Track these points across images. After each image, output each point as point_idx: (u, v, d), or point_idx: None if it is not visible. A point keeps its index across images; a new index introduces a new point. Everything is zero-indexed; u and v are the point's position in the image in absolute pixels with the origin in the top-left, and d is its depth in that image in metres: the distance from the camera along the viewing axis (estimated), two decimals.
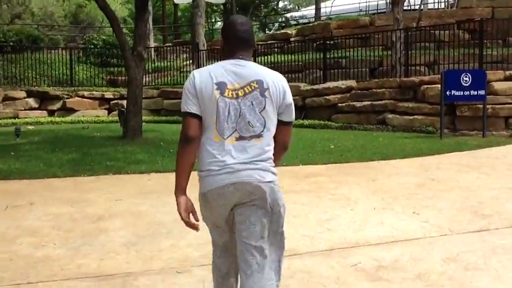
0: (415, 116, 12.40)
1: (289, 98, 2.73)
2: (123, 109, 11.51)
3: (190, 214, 2.68)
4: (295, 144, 10.59)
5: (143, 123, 14.50)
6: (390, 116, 12.97)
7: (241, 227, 2.64)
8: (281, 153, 2.85)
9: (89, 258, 4.61)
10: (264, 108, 2.60)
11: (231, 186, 2.56)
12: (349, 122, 13.59)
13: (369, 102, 13.41)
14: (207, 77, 2.58)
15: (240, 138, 2.57)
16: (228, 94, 2.55)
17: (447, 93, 10.83)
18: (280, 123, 2.72)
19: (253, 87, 2.58)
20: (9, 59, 18.01)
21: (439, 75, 11.75)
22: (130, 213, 5.98)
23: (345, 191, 6.85)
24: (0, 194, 7.02)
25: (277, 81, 2.66)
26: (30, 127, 14.05)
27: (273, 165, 2.72)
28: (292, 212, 5.82)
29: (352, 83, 14.26)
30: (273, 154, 2.73)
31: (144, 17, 11.14)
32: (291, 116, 2.76)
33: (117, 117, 12.60)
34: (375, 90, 13.51)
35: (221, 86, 2.55)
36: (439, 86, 11.28)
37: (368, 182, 7.32)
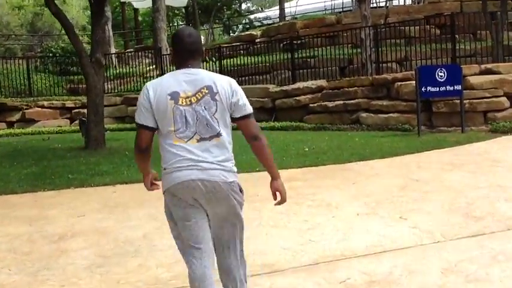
0: (390, 114, 12.09)
1: (238, 96, 2.94)
2: (84, 118, 10.89)
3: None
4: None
5: (107, 132, 13.96)
6: (364, 114, 12.64)
7: (215, 227, 3.00)
8: (257, 146, 3.10)
9: (48, 285, 4.12)
10: (216, 110, 2.84)
11: (199, 182, 2.79)
12: (322, 122, 13.20)
13: (341, 102, 13.06)
14: (160, 89, 2.81)
15: (201, 139, 2.81)
16: (182, 102, 2.78)
17: (422, 89, 10.53)
18: (238, 119, 2.96)
19: (204, 93, 2.82)
20: None
21: (413, 72, 11.48)
22: (94, 231, 5.48)
23: (324, 196, 6.45)
24: None
25: (225, 84, 2.89)
26: None
27: (234, 165, 2.99)
28: (270, 222, 5.41)
29: (322, 82, 13.91)
30: (255, 152, 3.15)
31: (100, 22, 10.57)
32: (243, 110, 2.97)
33: (79, 127, 11.98)
34: (346, 89, 13.16)
35: (174, 96, 2.77)
36: (414, 82, 10.99)
37: (348, 185, 6.94)
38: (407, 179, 7.12)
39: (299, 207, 5.97)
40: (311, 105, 13.66)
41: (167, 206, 2.94)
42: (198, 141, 2.81)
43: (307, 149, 9.84)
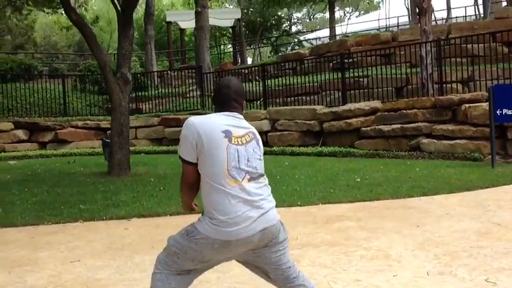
0: (457, 141, 10.50)
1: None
2: (107, 140, 9.76)
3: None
4: (312, 177, 8.81)
5: (141, 154, 12.90)
6: (425, 140, 11.08)
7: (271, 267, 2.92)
8: None
9: None
10: (260, 156, 2.86)
11: (259, 233, 2.71)
12: (376, 148, 11.71)
13: (399, 125, 11.55)
14: (212, 125, 2.76)
15: (251, 179, 2.74)
16: (235, 141, 2.75)
17: (497, 112, 8.94)
18: None
19: (250, 137, 2.84)
20: None
21: (483, 92, 9.91)
22: (81, 285, 4.25)
23: (381, 243, 5.05)
24: None
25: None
26: (11, 162, 12.44)
27: None
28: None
29: (376, 103, 12.45)
30: None
31: (128, 34, 9.50)
32: None
33: (102, 149, 10.85)
34: (404, 111, 11.65)
35: (228, 134, 2.74)
36: (485, 104, 9.43)
37: (411, 229, 5.50)
38: (487, 222, 5.64)
39: (349, 259, 4.58)
40: (363, 128, 12.18)
41: (199, 244, 2.73)
42: (249, 180, 2.74)
43: (358, 180, 8.42)
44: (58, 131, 15.24)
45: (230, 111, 2.87)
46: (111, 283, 4.26)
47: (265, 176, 2.84)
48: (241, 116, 2.90)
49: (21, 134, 15.09)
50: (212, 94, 2.95)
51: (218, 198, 2.67)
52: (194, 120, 2.79)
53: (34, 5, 16.75)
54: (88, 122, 15.70)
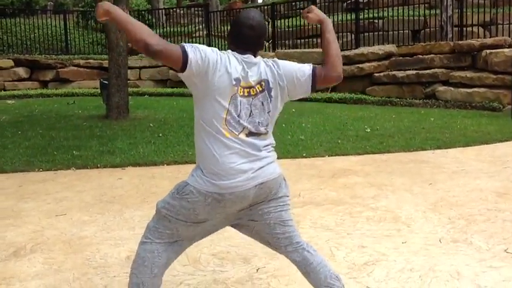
0: (475, 89, 9.95)
1: (292, 68, 2.57)
2: (105, 81, 9.23)
3: None
4: (320, 125, 8.38)
5: (145, 96, 12.48)
6: (442, 88, 10.52)
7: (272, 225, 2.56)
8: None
9: None
10: (270, 109, 2.50)
11: (255, 188, 2.43)
12: (389, 95, 11.18)
13: (414, 71, 10.97)
14: (229, 66, 2.39)
15: (250, 134, 2.44)
16: (241, 92, 2.43)
17: None
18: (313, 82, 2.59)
19: (262, 88, 2.47)
20: None
21: (506, 37, 9.28)
22: (64, 243, 3.92)
23: (390, 202, 4.67)
24: None
25: (277, 76, 2.51)
26: (9, 102, 12.06)
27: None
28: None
29: (391, 47, 11.83)
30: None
31: None
32: (306, 71, 2.59)
33: (100, 91, 10.34)
34: (421, 56, 11.04)
35: (237, 83, 2.41)
36: (507, 50, 8.84)
37: (423, 187, 5.11)
38: (507, 180, 5.23)
39: (354, 220, 4.21)
40: (376, 74, 11.62)
41: (191, 201, 2.42)
42: (246, 135, 2.43)
43: (368, 130, 7.97)
44: (59, 70, 14.74)
45: (248, 54, 2.47)
46: (95, 242, 3.93)
47: (268, 133, 2.52)
48: (258, 59, 2.51)
49: (21, 72, 14.64)
50: (229, 30, 2.57)
51: (212, 148, 2.40)
52: (230, 55, 2.44)
53: None
54: (91, 61, 15.16)
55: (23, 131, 8.25)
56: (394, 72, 11.34)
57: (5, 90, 14.08)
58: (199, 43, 13.08)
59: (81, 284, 3.20)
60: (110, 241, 3.92)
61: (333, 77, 2.62)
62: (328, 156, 6.58)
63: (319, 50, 12.90)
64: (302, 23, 14.27)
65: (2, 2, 17.20)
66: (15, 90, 14.10)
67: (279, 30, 14.45)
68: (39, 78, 14.74)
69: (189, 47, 2.33)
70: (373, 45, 12.43)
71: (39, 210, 4.74)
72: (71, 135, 7.89)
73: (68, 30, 16.29)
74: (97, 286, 3.18)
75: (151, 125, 8.56)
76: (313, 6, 2.70)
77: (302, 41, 14.12)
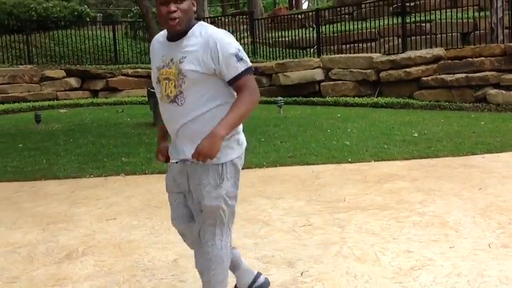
0: None
1: None
2: (152, 90, 9.46)
3: None
4: (366, 131, 8.32)
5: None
6: (493, 91, 10.27)
7: None
8: None
9: None
10: None
11: None
12: (438, 99, 10.99)
13: (463, 75, 10.75)
14: None
15: None
16: None
17: None
18: None
19: None
20: (50, 36, 16.50)
21: None
22: (114, 246, 4.04)
23: (438, 207, 4.60)
24: None
25: None
26: (61, 111, 12.45)
27: None
28: (355, 251, 3.66)
29: (439, 51, 11.64)
30: None
31: None
32: None
33: (147, 99, 10.57)
34: (470, 59, 10.81)
35: None
36: None
37: (472, 192, 5.01)
38: None
39: (400, 225, 4.17)
40: (424, 78, 11.44)
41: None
42: None
43: (416, 135, 7.86)
44: (109, 79, 15.15)
45: None
46: (143, 245, 4.03)
47: None
48: None
49: (73, 81, 15.09)
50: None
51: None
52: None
53: None
54: (139, 70, 15.50)
55: (74, 139, 8.51)
56: (442, 76, 11.14)
57: (57, 99, 14.54)
58: (245, 50, 13.23)
59: (130, 286, 3.29)
60: (158, 245, 4.01)
61: None
62: (374, 161, 6.53)
63: (365, 54, 12.83)
64: (347, 28, 14.20)
65: (54, 15, 17.76)
66: (67, 99, 14.55)
67: (323, 35, 14.42)
68: (90, 88, 15.17)
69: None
70: (421, 48, 12.24)
71: (91, 214, 4.89)
72: (120, 143, 8.09)
73: (117, 41, 16.71)
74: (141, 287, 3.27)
75: None
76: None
77: (347, 46, 14.05)
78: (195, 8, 2.52)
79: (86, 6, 20.86)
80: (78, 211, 5.01)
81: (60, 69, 15.08)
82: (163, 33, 2.65)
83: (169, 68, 2.51)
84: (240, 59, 2.48)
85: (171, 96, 2.52)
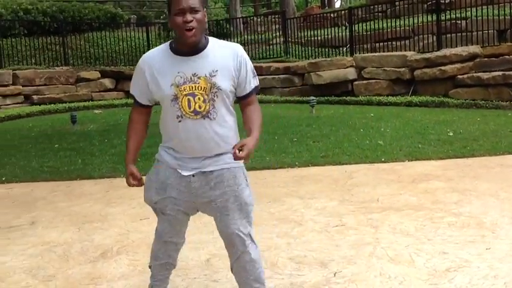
0: None
1: None
2: None
3: None
4: (399, 130, 8.22)
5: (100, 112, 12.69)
6: None
7: None
8: None
9: None
10: None
11: None
12: (474, 98, 10.78)
13: (500, 73, 10.51)
14: None
15: None
16: None
17: None
18: None
19: None
20: (85, 38, 16.80)
21: None
22: (147, 246, 4.05)
23: (474, 208, 4.51)
24: (9, 204, 5.48)
25: None
26: (96, 112, 12.64)
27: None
28: (388, 252, 3.62)
29: (475, 48, 11.43)
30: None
31: None
32: None
33: None
34: (507, 56, 10.57)
35: None
36: None
37: (509, 192, 4.92)
38: None
39: (435, 226, 4.11)
40: (459, 76, 11.24)
41: None
42: None
43: (451, 134, 7.73)
44: None
45: None
46: None
47: None
48: None
49: (107, 82, 15.31)
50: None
51: None
52: None
53: None
54: None
55: (109, 139, 8.63)
56: (478, 74, 10.92)
57: (92, 100, 14.76)
58: (277, 50, 13.00)
59: None
60: (190, 244, 4.02)
61: None
62: (408, 161, 6.45)
63: (399, 53, 12.67)
64: (380, 26, 14.05)
65: (88, 16, 18.05)
66: (101, 100, 14.76)
67: (356, 34, 14.29)
68: (124, 89, 15.33)
69: None
70: (456, 46, 12.03)
71: (125, 214, 4.94)
72: (153, 143, 8.05)
73: (150, 42, 16.87)
74: (178, 287, 3.29)
75: None
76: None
77: (380, 44, 13.90)
78: (206, 20, 2.50)
79: (119, 8, 21.10)
80: (113, 210, 5.07)
81: (95, 70, 15.31)
82: (159, 51, 2.55)
83: (195, 83, 2.44)
84: (254, 75, 2.61)
85: (201, 111, 2.45)
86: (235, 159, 2.34)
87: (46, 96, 14.43)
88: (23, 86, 14.27)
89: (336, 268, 3.39)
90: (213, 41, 2.54)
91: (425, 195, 4.97)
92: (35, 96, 14.37)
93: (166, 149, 2.61)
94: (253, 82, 2.60)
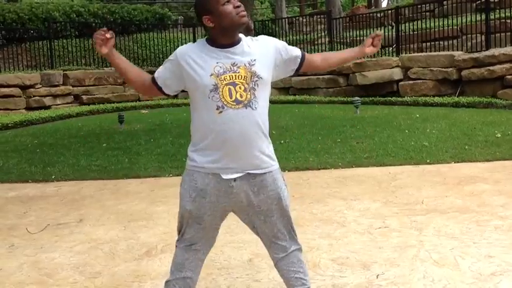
0: None
1: None
2: None
3: None
4: (446, 131, 8.08)
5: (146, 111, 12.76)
6: None
7: None
8: None
9: None
10: None
11: None
12: None
13: None
14: None
15: None
16: None
17: None
18: None
19: None
20: (134, 39, 17.14)
21: None
22: None
23: None
24: (58, 202, 5.63)
25: None
26: (143, 111, 12.89)
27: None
28: (433, 255, 3.58)
29: None
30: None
31: None
32: None
33: None
34: None
35: None
36: None
37: None
38: None
39: (481, 229, 4.03)
40: (508, 76, 10.97)
41: None
42: None
43: (499, 135, 7.55)
44: None
45: None
46: (219, 244, 4.06)
47: None
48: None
49: None
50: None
51: None
52: None
53: None
54: None
55: (155, 139, 8.79)
56: None
57: (139, 100, 15.05)
58: (322, 50, 12.96)
59: (206, 284, 3.36)
60: (233, 244, 4.07)
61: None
62: (454, 162, 6.34)
63: (446, 52, 12.45)
64: (427, 25, 13.83)
65: (137, 18, 18.39)
66: (148, 100, 15.03)
67: (403, 33, 14.11)
68: None
69: None
70: (505, 46, 11.74)
71: (169, 213, 5.02)
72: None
73: None
74: (220, 286, 3.33)
75: (273, 132, 8.76)
76: (378, 32, 2.65)
77: (427, 44, 13.68)
78: None
79: (167, 9, 21.41)
80: (158, 209, 5.17)
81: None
82: (195, 44, 2.57)
83: (235, 72, 2.44)
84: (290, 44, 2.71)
85: (242, 100, 2.42)
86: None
87: (95, 96, 14.80)
88: (72, 86, 14.66)
89: (379, 270, 3.37)
90: (243, 36, 2.57)
91: (472, 197, 4.88)
92: (84, 96, 14.75)
93: (201, 151, 2.51)
94: (296, 48, 2.69)
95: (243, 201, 2.52)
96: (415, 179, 5.67)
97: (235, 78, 2.43)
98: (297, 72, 2.72)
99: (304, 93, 14.22)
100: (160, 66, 2.63)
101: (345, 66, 13.56)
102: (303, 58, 2.67)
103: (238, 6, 2.45)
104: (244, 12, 2.47)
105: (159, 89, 2.63)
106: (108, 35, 2.46)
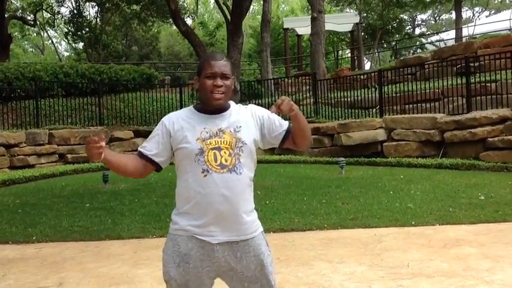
0: None
1: None
2: None
3: None
4: (430, 193, 8.12)
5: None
6: None
7: None
8: None
9: None
10: None
11: None
12: (505, 161, 10.64)
13: None
14: None
15: None
16: None
17: None
18: None
19: None
20: (120, 98, 17.28)
21: None
22: None
23: (507, 275, 4.40)
24: (38, 264, 5.50)
25: None
26: None
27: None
28: None
29: (506, 111, 11.34)
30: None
31: (236, 43, 9.38)
32: None
33: None
34: None
35: None
36: None
37: None
38: None
39: None
40: (490, 139, 11.16)
41: None
42: None
43: (483, 198, 7.60)
44: None
45: None
46: None
47: None
48: None
49: (140, 142, 15.48)
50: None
51: None
52: None
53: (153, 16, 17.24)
54: None
55: (139, 199, 8.72)
56: (510, 137, 10.79)
57: None
58: (307, 110, 13.08)
59: None
60: None
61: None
62: (439, 224, 6.34)
63: (429, 115, 12.67)
64: (410, 88, 14.12)
65: (125, 78, 18.59)
66: None
67: (386, 96, 14.38)
68: None
69: None
70: (486, 109, 11.99)
71: (152, 276, 4.93)
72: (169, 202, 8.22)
73: (183, 102, 17.23)
74: None
75: (258, 192, 8.75)
76: (284, 97, 2.55)
77: (410, 106, 13.94)
78: (233, 87, 2.60)
79: (154, 69, 21.71)
80: (140, 272, 5.07)
81: (129, 130, 15.60)
82: (183, 111, 2.63)
83: (221, 138, 2.49)
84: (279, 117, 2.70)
85: (227, 165, 2.46)
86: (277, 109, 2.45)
87: (80, 155, 14.72)
88: (58, 145, 14.60)
89: None
90: (233, 103, 2.64)
91: (457, 261, 4.86)
92: (69, 155, 14.67)
93: (185, 214, 2.51)
94: (283, 120, 2.67)
95: (225, 266, 2.49)
96: (400, 242, 5.65)
97: (221, 144, 2.47)
98: (282, 145, 2.70)
99: (290, 153, 14.30)
100: (147, 140, 2.66)
101: (330, 126, 13.74)
102: (288, 132, 2.66)
103: (217, 86, 2.49)
104: (220, 95, 2.50)
105: (150, 160, 2.62)
106: (102, 143, 2.36)
